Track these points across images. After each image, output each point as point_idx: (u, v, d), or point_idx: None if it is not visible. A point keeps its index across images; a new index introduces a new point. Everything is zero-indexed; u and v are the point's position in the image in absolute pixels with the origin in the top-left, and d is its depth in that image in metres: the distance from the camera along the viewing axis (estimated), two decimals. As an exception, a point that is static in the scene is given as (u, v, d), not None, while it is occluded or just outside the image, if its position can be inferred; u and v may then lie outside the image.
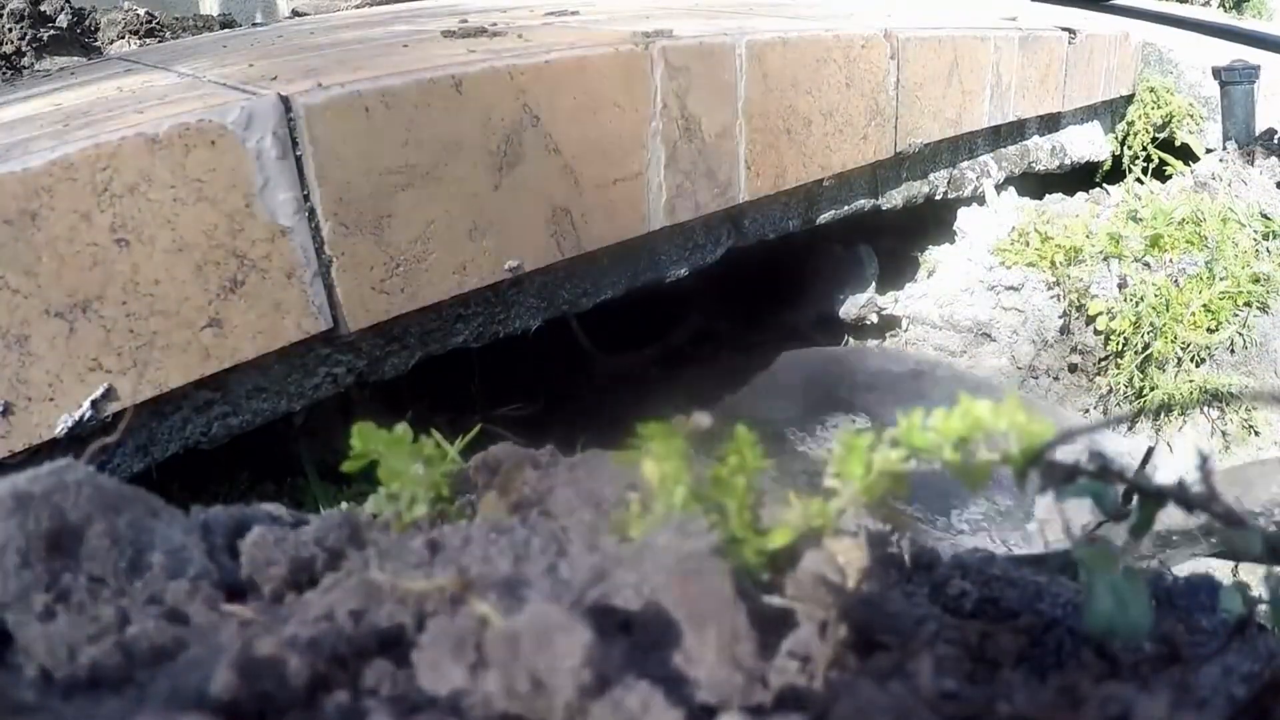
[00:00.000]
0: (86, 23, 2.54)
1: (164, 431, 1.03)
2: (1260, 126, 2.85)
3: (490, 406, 1.90)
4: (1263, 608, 0.48)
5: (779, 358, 2.03)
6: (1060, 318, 2.10)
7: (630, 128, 1.37)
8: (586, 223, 1.34)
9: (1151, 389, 1.92)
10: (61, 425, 0.90)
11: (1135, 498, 0.43)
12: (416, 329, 1.25)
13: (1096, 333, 2.03)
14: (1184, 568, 1.49)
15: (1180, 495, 0.42)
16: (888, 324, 2.35)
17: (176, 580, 0.44)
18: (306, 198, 1.03)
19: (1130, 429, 1.99)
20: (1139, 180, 2.84)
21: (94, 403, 0.92)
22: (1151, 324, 1.93)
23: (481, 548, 0.48)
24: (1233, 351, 1.93)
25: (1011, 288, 2.16)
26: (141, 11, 2.62)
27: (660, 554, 0.43)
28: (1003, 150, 2.57)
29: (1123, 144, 3.22)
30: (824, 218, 1.93)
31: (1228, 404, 1.92)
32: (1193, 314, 1.92)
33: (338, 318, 1.09)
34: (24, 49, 2.22)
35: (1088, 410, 2.04)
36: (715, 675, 0.39)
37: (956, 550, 0.56)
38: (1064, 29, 2.63)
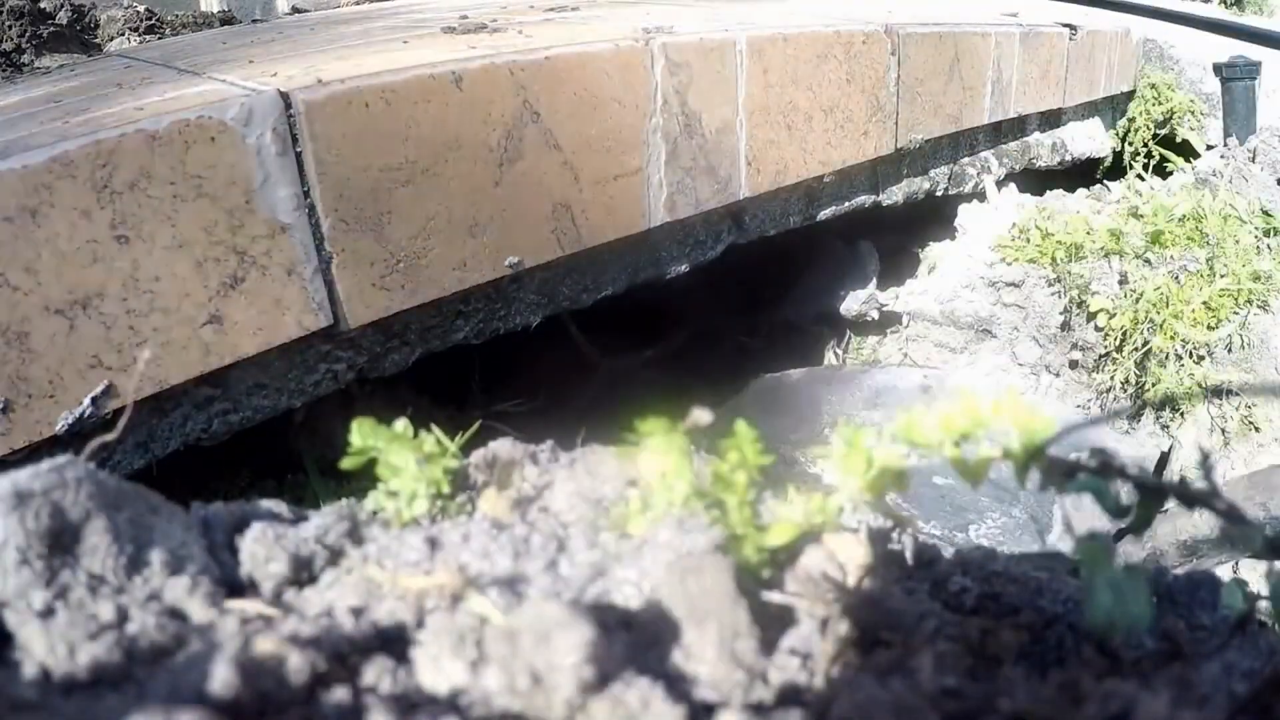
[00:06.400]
0: (86, 20, 2.54)
1: (164, 428, 1.03)
2: (1261, 123, 2.84)
3: (491, 403, 1.90)
4: (1264, 604, 0.47)
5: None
6: (1061, 314, 2.09)
7: (630, 124, 1.36)
8: (587, 219, 1.34)
9: (1153, 385, 1.92)
10: (61, 422, 0.90)
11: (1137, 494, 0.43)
12: (417, 325, 1.25)
13: (1097, 329, 2.02)
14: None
15: (1182, 491, 0.41)
16: (888, 320, 2.34)
17: (176, 577, 0.44)
18: (306, 194, 1.03)
19: (1130, 425, 1.99)
20: (1140, 177, 2.84)
21: (94, 400, 0.91)
22: (1151, 320, 1.93)
23: (481, 544, 0.48)
24: (1231, 350, 1.93)
25: (1012, 284, 2.15)
26: (141, 8, 2.62)
27: (660, 550, 0.43)
28: (1004, 146, 2.57)
29: (1124, 140, 3.21)
30: (825, 214, 1.93)
31: (1228, 400, 1.92)
32: (1193, 311, 1.91)
33: (338, 314, 1.09)
34: (24, 46, 2.22)
35: (1087, 406, 2.03)
36: (715, 672, 0.39)
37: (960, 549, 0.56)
38: (1065, 25, 2.63)
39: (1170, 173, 2.89)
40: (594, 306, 1.51)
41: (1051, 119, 2.80)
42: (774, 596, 0.44)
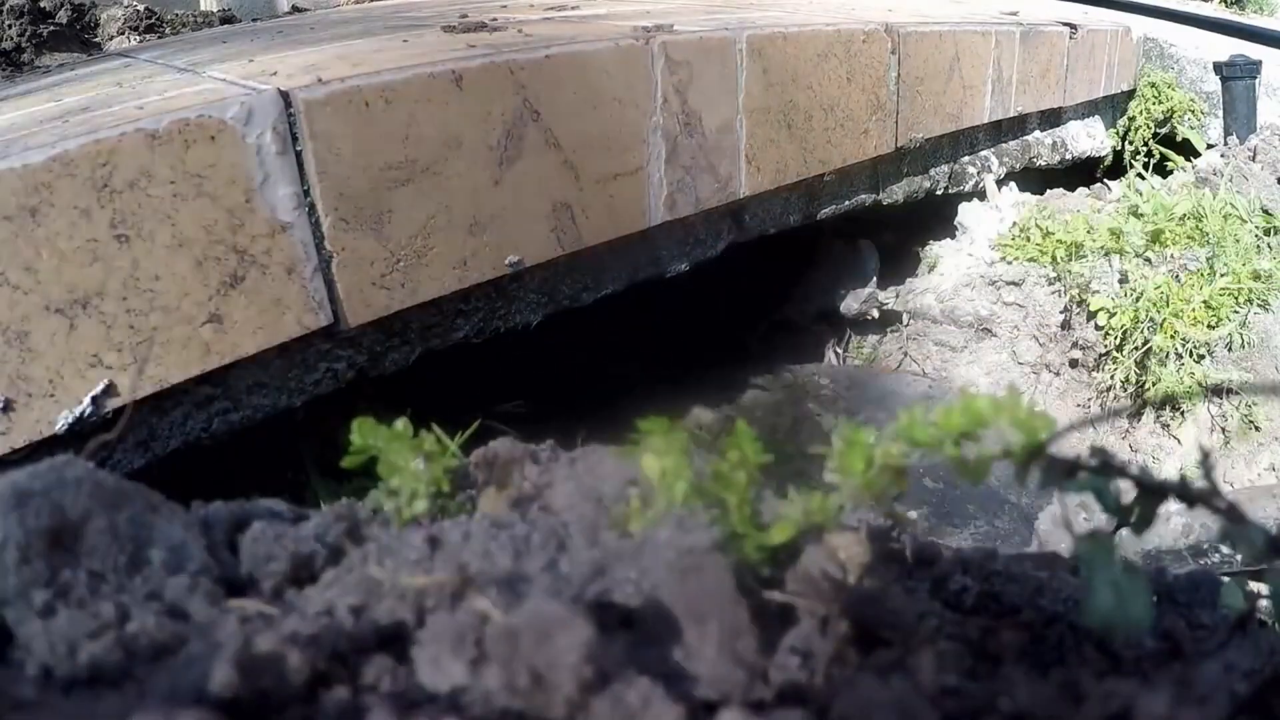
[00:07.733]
0: (86, 19, 2.54)
1: (164, 427, 1.03)
2: (1262, 121, 2.85)
3: (491, 402, 1.89)
4: (1264, 604, 0.47)
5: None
6: (1061, 313, 2.10)
7: (631, 122, 1.36)
8: (587, 218, 1.34)
9: (1154, 384, 1.92)
10: (62, 421, 0.90)
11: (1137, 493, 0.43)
12: (417, 324, 1.25)
13: (1097, 328, 2.02)
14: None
15: (1182, 490, 0.41)
16: (889, 319, 2.35)
17: (176, 576, 0.44)
18: (306, 193, 1.03)
19: (1131, 424, 1.99)
20: (1140, 175, 2.83)
21: (94, 399, 0.92)
22: (1152, 319, 1.93)
23: (482, 543, 0.48)
24: (1231, 349, 1.93)
25: (1012, 283, 2.15)
26: (141, 7, 2.62)
27: (661, 549, 0.43)
28: (1004, 145, 2.57)
29: (1124, 139, 3.21)
30: (825, 213, 1.93)
31: (1228, 399, 1.92)
32: (1193, 310, 1.91)
33: (338, 313, 1.09)
34: (24, 45, 2.22)
35: (1088, 405, 2.03)
36: (716, 671, 0.39)
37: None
38: (1065, 24, 2.63)
39: (1170, 171, 2.89)
40: (593, 304, 1.51)
41: (1052, 118, 2.80)
42: (774, 595, 0.44)
